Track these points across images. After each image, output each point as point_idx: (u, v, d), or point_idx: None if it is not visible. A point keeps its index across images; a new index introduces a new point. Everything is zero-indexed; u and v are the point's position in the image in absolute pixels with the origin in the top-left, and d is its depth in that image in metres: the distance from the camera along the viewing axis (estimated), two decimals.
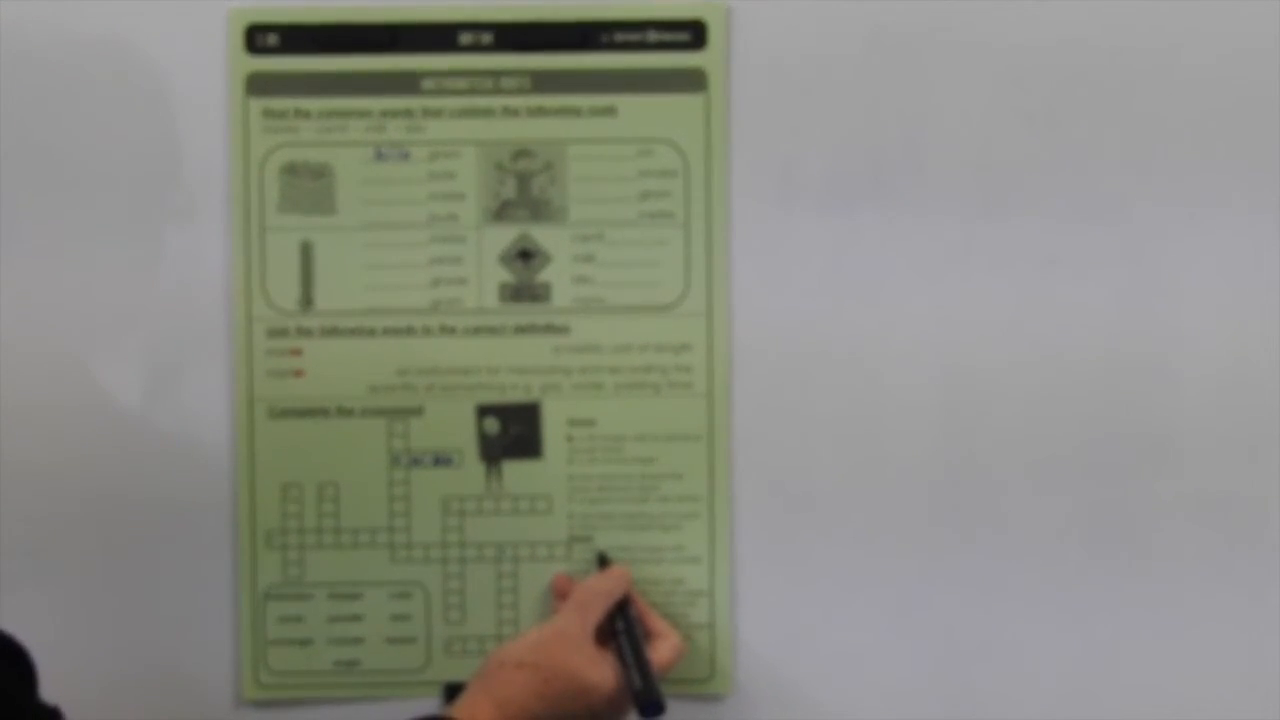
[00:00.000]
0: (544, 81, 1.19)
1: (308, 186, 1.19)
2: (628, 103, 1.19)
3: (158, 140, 1.19)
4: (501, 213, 1.19)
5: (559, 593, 1.17)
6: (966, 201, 1.18)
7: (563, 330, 1.20)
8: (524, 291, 1.20)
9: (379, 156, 1.19)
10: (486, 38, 1.19)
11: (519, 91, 1.19)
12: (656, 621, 1.17)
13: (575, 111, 1.19)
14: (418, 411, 1.20)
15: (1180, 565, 1.20)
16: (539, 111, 1.19)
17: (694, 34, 1.18)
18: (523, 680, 1.08)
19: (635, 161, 1.19)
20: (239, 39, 1.18)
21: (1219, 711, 1.20)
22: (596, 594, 1.14)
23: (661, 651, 1.14)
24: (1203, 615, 1.20)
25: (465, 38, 1.19)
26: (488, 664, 1.10)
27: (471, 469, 1.20)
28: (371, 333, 1.20)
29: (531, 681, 1.08)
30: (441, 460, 1.20)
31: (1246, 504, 1.19)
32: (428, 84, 1.19)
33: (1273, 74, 1.18)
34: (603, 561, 1.19)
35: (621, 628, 1.13)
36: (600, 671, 1.09)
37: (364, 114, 1.19)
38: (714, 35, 1.18)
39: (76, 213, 1.18)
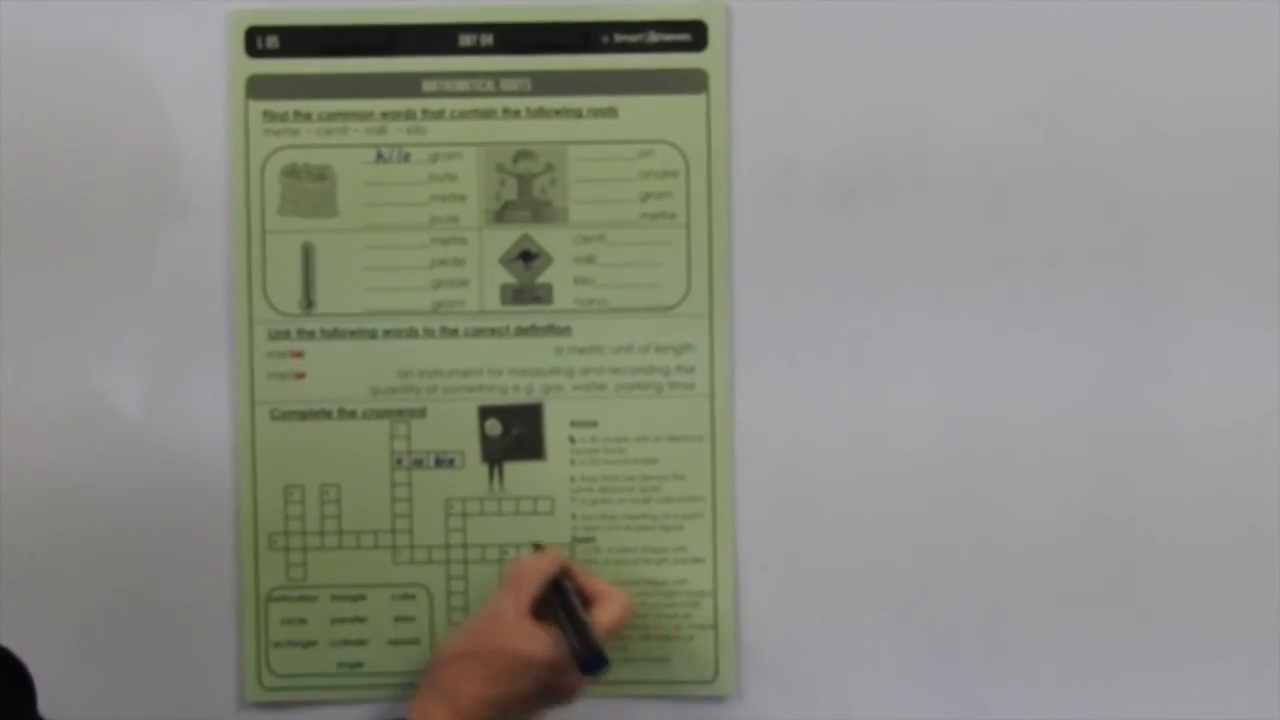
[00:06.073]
0: (544, 83, 1.19)
1: (308, 188, 1.19)
2: (628, 104, 1.19)
3: (158, 143, 1.18)
4: (503, 214, 1.19)
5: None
6: (967, 202, 1.18)
7: (564, 331, 1.20)
8: (525, 293, 1.20)
9: (380, 158, 1.19)
10: (487, 39, 1.19)
11: (519, 93, 1.19)
12: (601, 586, 1.16)
13: (576, 113, 1.19)
14: (420, 413, 1.20)
15: (1180, 568, 1.20)
16: (540, 113, 1.19)
17: (694, 35, 1.18)
18: (466, 670, 1.09)
19: (636, 162, 1.19)
20: (239, 41, 1.18)
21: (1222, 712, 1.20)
22: (528, 572, 1.14)
23: (608, 612, 1.13)
24: (1205, 622, 1.20)
25: (465, 39, 1.19)
26: (431, 663, 1.12)
27: (474, 470, 1.20)
28: (373, 335, 1.20)
29: (474, 668, 1.09)
30: (443, 462, 1.20)
31: (1247, 507, 1.19)
32: (428, 86, 1.19)
33: (1273, 73, 1.18)
34: (538, 548, 1.19)
35: (556, 599, 1.13)
36: (538, 643, 1.09)
37: (364, 116, 1.19)
38: (714, 36, 1.18)
39: (77, 216, 1.18)
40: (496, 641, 1.10)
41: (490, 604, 1.13)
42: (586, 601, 1.15)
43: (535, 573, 1.14)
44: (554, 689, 1.11)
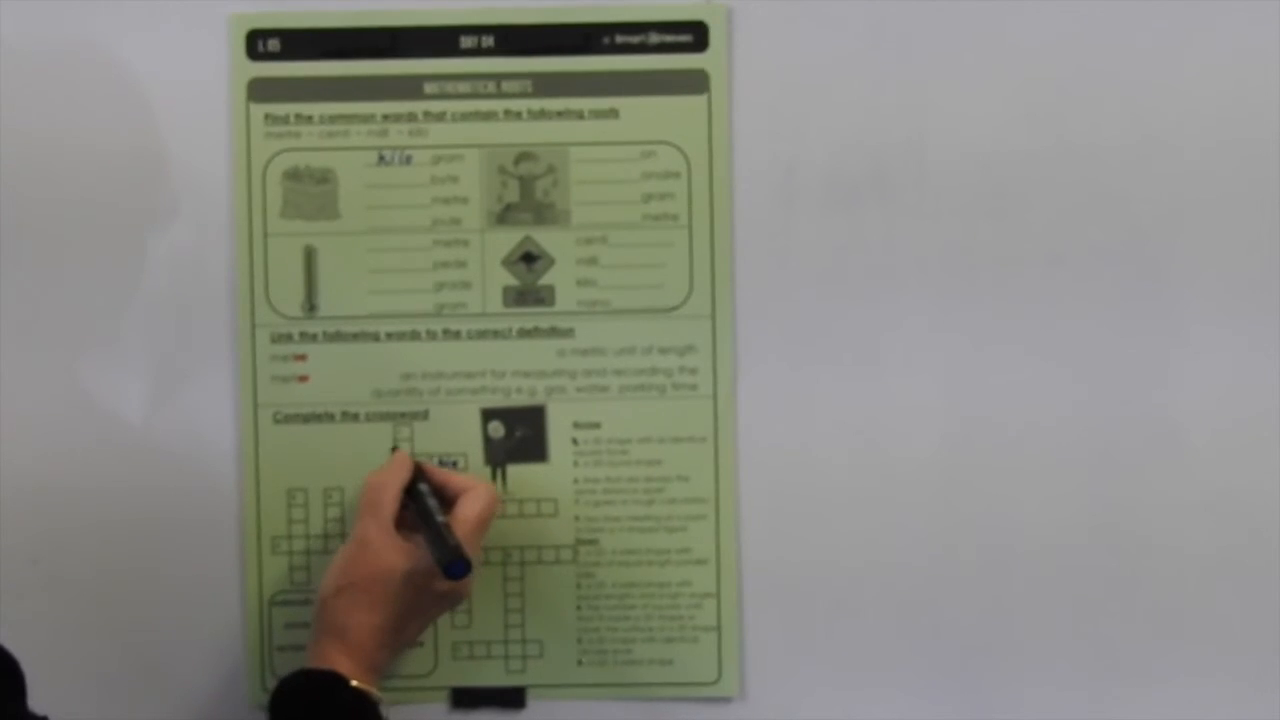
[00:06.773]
0: (546, 84, 1.19)
1: (310, 191, 1.19)
2: (630, 105, 1.19)
3: (159, 147, 1.18)
4: (505, 216, 1.19)
5: None
6: (969, 203, 1.18)
7: (567, 333, 1.20)
8: (528, 295, 1.20)
9: (381, 161, 1.19)
10: (488, 41, 1.19)
11: (521, 95, 1.19)
12: (460, 480, 1.16)
13: (577, 114, 1.19)
14: (423, 415, 1.20)
15: (1184, 570, 1.19)
16: (541, 114, 1.19)
17: (695, 35, 1.18)
18: (349, 602, 1.09)
19: (638, 164, 1.19)
20: (240, 45, 1.18)
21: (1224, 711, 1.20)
22: (380, 489, 1.13)
23: (470, 506, 1.12)
24: (1209, 625, 1.20)
25: (467, 41, 1.19)
26: (316, 605, 1.11)
27: (477, 472, 1.20)
28: (376, 337, 1.20)
29: (356, 598, 1.09)
30: (446, 464, 1.20)
31: (1252, 508, 1.19)
32: (430, 88, 1.19)
33: (1274, 75, 1.18)
34: (394, 451, 1.19)
35: (412, 507, 1.13)
36: (408, 558, 1.09)
37: (366, 118, 1.19)
38: (715, 37, 1.18)
39: (78, 220, 1.18)
40: (368, 567, 1.09)
41: (355, 530, 1.12)
42: (449, 500, 1.14)
43: (388, 487, 1.13)
44: (440, 595, 1.11)
